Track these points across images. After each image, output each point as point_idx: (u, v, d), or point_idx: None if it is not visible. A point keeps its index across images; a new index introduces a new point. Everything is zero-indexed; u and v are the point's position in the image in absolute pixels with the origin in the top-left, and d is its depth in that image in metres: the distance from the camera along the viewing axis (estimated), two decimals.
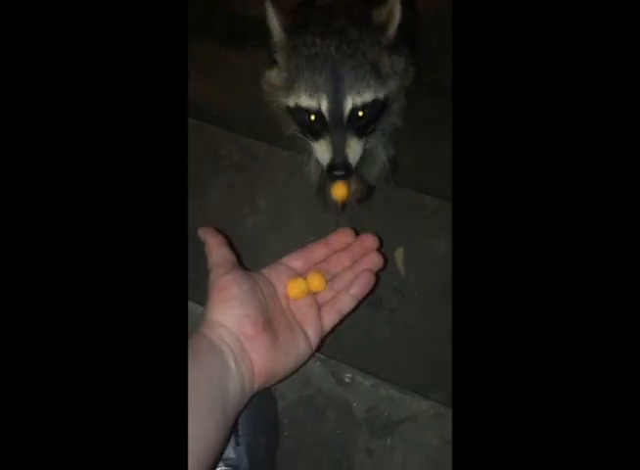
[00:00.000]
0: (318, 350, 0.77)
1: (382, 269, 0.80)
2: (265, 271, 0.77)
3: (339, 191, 0.88)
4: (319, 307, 0.76)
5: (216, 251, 0.75)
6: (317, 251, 0.81)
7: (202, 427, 0.58)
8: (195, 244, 0.73)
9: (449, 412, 0.81)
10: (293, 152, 1.02)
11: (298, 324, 0.74)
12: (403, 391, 0.83)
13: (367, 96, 0.79)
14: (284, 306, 0.75)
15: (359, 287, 0.76)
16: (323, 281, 0.77)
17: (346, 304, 0.76)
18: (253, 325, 0.68)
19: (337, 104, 0.78)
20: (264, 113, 0.97)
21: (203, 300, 0.73)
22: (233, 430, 0.70)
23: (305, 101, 0.79)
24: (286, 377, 0.72)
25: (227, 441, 0.66)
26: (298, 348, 0.72)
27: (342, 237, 0.81)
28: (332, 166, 0.80)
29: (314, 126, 0.81)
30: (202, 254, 0.76)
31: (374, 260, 0.79)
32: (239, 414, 0.67)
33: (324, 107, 0.78)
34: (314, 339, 0.74)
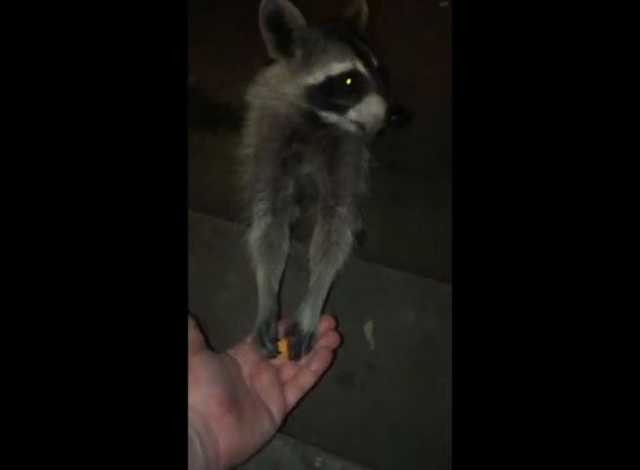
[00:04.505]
0: (282, 426, 0.78)
1: (348, 345, 0.84)
2: (232, 352, 0.81)
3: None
4: (282, 385, 0.78)
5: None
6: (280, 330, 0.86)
7: None
8: None
9: None
10: None
11: (263, 403, 0.76)
12: None
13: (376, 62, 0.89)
14: (248, 386, 0.77)
15: (319, 363, 0.81)
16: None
17: (308, 379, 0.81)
18: (220, 405, 0.69)
19: (370, 61, 0.86)
20: (235, 193, 1.01)
21: None
22: None
23: (338, 67, 0.85)
24: (251, 456, 0.73)
25: None
26: (263, 427, 0.74)
27: None
28: (392, 110, 0.84)
29: (352, 90, 0.86)
30: None
31: (331, 339, 0.85)
32: None
33: (360, 66, 0.85)
34: (278, 416, 0.76)
